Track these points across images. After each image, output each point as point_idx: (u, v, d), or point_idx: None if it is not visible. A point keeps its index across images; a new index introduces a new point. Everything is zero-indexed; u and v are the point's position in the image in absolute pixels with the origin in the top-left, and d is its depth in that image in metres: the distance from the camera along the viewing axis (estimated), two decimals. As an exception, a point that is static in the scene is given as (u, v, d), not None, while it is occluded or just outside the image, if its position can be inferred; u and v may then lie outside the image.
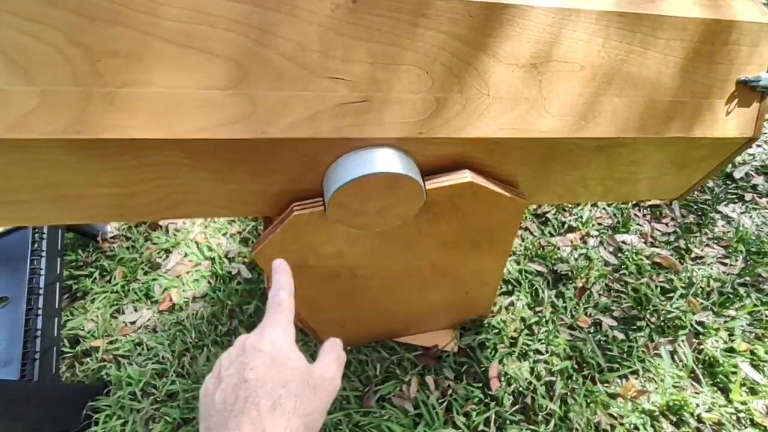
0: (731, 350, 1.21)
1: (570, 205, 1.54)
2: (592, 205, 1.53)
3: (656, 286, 1.34)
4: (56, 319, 1.32)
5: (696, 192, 1.52)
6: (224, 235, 1.62)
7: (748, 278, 1.32)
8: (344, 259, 0.83)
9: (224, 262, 1.55)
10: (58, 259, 1.41)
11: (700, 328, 1.26)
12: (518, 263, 1.42)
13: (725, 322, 1.25)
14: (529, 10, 0.63)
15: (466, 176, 0.68)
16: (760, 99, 0.76)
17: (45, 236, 1.40)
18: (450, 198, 0.71)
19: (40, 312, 1.28)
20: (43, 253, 1.37)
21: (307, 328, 1.15)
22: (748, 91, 0.75)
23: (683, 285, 1.33)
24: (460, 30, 0.61)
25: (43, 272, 1.34)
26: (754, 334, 1.23)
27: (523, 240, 1.48)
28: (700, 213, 1.47)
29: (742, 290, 1.30)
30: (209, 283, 1.51)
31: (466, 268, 0.95)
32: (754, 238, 1.39)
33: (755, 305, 1.27)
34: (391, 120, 0.61)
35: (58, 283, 1.37)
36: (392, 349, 1.31)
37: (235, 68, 0.55)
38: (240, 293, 1.47)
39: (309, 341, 1.34)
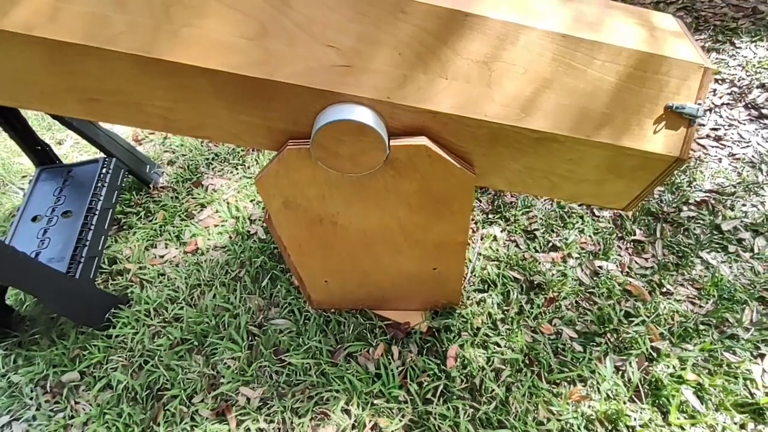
0: (679, 377, 1.27)
1: (558, 226, 1.66)
2: (579, 231, 1.64)
3: (621, 310, 1.42)
4: (103, 237, 1.60)
5: (681, 236, 1.59)
6: (251, 201, 1.87)
7: (713, 319, 1.38)
8: (325, 202, 1.02)
9: (246, 222, 1.79)
10: (116, 191, 1.71)
11: (654, 354, 1.33)
12: (498, 268, 1.56)
13: (680, 351, 1.32)
14: (487, 19, 0.83)
15: (422, 140, 0.87)
16: (687, 125, 0.90)
17: (110, 171, 1.71)
18: (409, 158, 0.90)
19: (92, 227, 1.57)
20: (106, 184, 1.67)
21: (297, 279, 1.35)
22: (676, 116, 0.90)
23: (647, 313, 1.40)
24: (429, 26, 0.82)
25: (102, 198, 1.64)
26: (706, 369, 1.29)
27: (508, 249, 1.61)
28: (681, 255, 1.54)
29: (703, 328, 1.36)
30: (230, 237, 1.75)
31: (431, 237, 1.12)
32: (728, 285, 1.44)
33: (713, 343, 1.32)
34: (367, 84, 0.82)
35: (111, 210, 1.66)
36: (369, 318, 1.47)
37: (260, 26, 0.78)
38: (253, 250, 1.69)
39: (300, 297, 1.53)
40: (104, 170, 1.71)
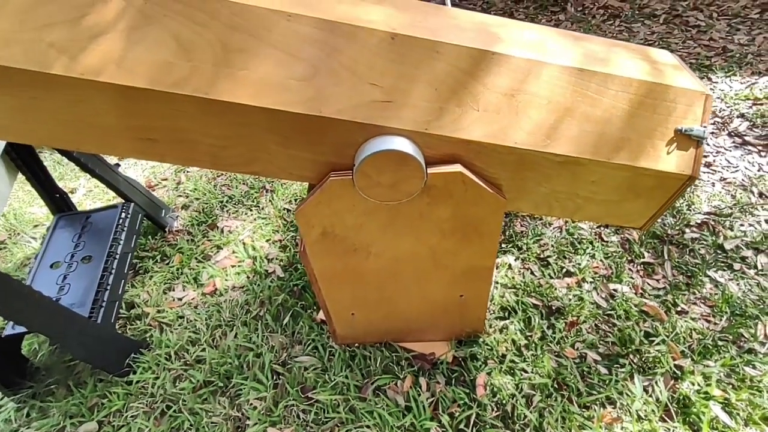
0: (706, 394, 1.29)
1: (569, 252, 1.72)
2: (590, 256, 1.70)
3: (641, 330, 1.46)
4: (123, 281, 1.60)
5: (687, 256, 1.66)
6: (267, 241, 1.90)
7: (729, 335, 1.42)
8: (362, 232, 1.07)
9: (264, 262, 1.81)
10: (135, 236, 1.73)
11: (678, 372, 1.35)
12: (516, 295, 1.59)
13: (703, 368, 1.35)
14: (512, 57, 0.91)
15: (457, 167, 0.93)
16: (696, 146, 0.99)
17: (129, 216, 1.73)
18: (445, 184, 0.95)
19: (113, 271, 1.57)
20: (125, 229, 1.69)
21: (324, 313, 1.36)
22: (685, 138, 0.98)
23: (667, 333, 1.44)
24: (461, 64, 0.90)
25: (122, 242, 1.65)
26: (730, 385, 1.31)
27: (524, 277, 1.66)
28: (690, 275, 1.60)
29: (722, 344, 1.40)
30: (248, 277, 1.77)
31: (460, 263, 1.16)
32: (739, 301, 1.50)
33: (733, 359, 1.36)
34: (407, 117, 0.89)
35: (130, 254, 1.68)
36: (394, 351, 1.48)
37: (310, 68, 0.86)
38: (272, 288, 1.70)
39: (324, 332, 1.54)
40: (123, 215, 1.73)
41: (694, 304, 1.53)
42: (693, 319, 1.48)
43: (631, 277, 1.62)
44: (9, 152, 1.51)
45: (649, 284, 1.60)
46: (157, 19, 0.81)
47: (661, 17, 3.03)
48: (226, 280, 1.76)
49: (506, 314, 1.55)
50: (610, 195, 1.04)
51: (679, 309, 1.51)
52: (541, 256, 1.73)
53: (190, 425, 1.37)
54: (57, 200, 1.77)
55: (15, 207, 2.23)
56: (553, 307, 1.55)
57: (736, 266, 1.61)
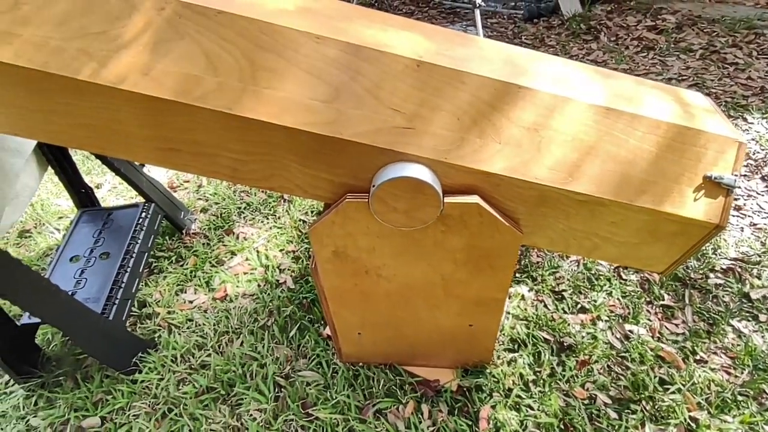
0: (721, 451, 1.23)
1: (586, 288, 1.67)
2: (607, 294, 1.65)
3: (655, 377, 1.40)
4: (137, 279, 1.63)
5: (710, 302, 1.60)
6: (281, 250, 1.91)
7: (750, 390, 1.35)
8: (374, 255, 1.06)
9: (276, 271, 1.82)
10: (152, 236, 1.76)
11: (693, 424, 1.29)
12: (528, 327, 1.56)
13: (720, 423, 1.29)
14: (537, 91, 0.90)
15: (475, 199, 0.92)
16: (726, 194, 0.95)
17: (149, 216, 1.77)
18: (461, 215, 0.94)
19: (128, 270, 1.60)
20: (144, 228, 1.72)
21: (330, 330, 1.35)
22: (714, 186, 0.95)
23: (683, 381, 1.38)
24: (486, 96, 0.89)
25: (139, 241, 1.68)
26: (748, 443, 1.25)
27: (536, 309, 1.62)
28: (711, 322, 1.54)
29: (741, 399, 1.33)
30: (259, 285, 1.77)
31: (471, 293, 1.14)
32: (762, 355, 1.43)
33: (753, 416, 1.29)
34: (427, 145, 0.88)
35: (146, 254, 1.70)
36: (399, 374, 1.46)
37: (333, 91, 0.86)
38: (281, 299, 1.70)
39: (329, 348, 1.53)
40: (143, 214, 1.77)
41: (714, 353, 1.46)
42: (712, 369, 1.42)
43: (649, 320, 1.57)
44: (41, 147, 1.56)
45: (667, 328, 1.54)
46: (189, 34, 0.83)
47: (698, 52, 2.97)
48: (237, 286, 1.77)
49: (516, 346, 1.51)
50: (630, 237, 1.01)
51: (697, 357, 1.45)
52: (556, 289, 1.69)
53: (190, 430, 1.37)
54: (82, 195, 1.82)
55: (43, 198, 2.30)
56: (565, 344, 1.51)
57: (762, 317, 1.54)
